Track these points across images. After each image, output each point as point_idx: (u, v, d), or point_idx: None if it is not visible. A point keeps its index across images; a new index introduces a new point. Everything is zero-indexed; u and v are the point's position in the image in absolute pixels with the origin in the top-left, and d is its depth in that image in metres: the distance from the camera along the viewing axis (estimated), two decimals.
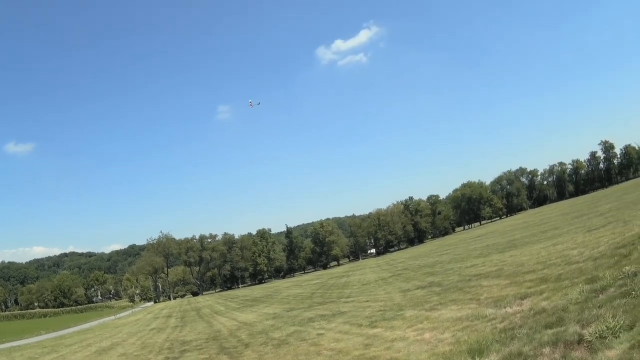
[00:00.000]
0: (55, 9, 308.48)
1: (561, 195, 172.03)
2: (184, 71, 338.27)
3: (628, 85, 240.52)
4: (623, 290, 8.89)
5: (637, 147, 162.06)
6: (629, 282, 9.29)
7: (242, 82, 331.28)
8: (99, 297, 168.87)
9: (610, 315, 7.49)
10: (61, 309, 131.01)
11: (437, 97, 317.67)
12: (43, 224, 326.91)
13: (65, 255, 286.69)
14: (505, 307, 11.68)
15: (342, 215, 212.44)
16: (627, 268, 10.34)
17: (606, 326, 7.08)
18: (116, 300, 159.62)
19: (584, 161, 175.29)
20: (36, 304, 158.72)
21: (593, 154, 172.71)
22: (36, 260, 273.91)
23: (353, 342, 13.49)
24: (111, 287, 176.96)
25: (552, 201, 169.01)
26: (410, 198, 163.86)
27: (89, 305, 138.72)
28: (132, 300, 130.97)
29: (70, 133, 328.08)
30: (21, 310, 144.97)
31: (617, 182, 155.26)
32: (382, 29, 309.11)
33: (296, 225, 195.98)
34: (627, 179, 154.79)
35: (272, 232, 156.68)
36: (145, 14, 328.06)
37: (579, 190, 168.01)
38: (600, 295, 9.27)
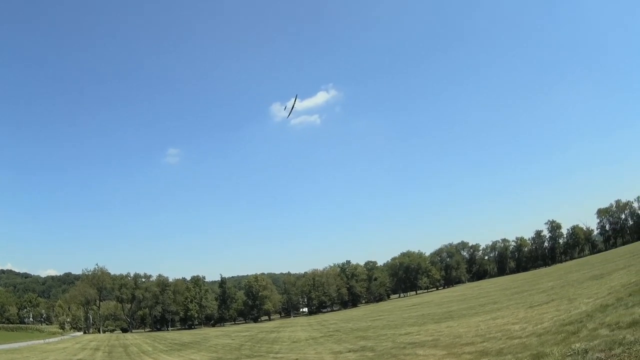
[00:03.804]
0: None
1: (502, 271, 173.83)
2: (139, 109, 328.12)
3: (580, 167, 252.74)
4: None
5: (584, 228, 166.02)
6: (580, 359, 8.14)
7: (194, 126, 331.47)
8: (31, 319, 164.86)
9: None
10: None
11: (385, 165, 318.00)
12: None
13: (2, 272, 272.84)
14: None
15: (277, 272, 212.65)
16: (577, 345, 9.19)
17: None
18: (47, 324, 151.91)
19: (529, 239, 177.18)
20: None
21: (538, 233, 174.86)
22: None
23: None
24: (43, 311, 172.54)
25: (492, 276, 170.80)
26: (348, 262, 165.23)
27: (20, 325, 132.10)
28: (62, 327, 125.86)
29: (26, 151, 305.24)
30: None
31: (561, 261, 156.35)
32: (340, 93, 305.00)
33: (231, 276, 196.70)
34: (572, 258, 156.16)
35: (206, 280, 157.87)
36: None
37: (521, 267, 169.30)
38: None
